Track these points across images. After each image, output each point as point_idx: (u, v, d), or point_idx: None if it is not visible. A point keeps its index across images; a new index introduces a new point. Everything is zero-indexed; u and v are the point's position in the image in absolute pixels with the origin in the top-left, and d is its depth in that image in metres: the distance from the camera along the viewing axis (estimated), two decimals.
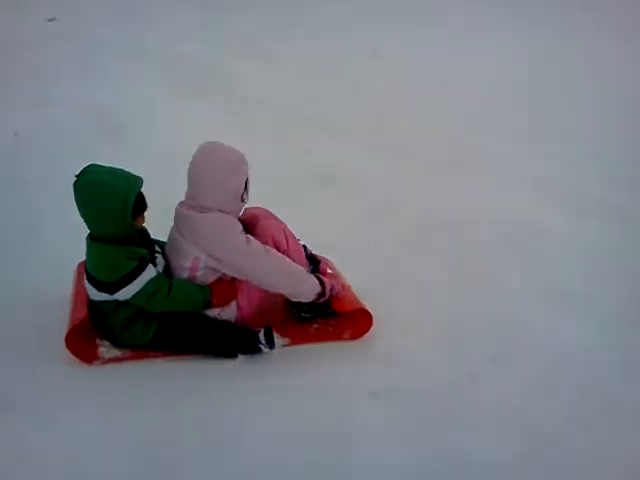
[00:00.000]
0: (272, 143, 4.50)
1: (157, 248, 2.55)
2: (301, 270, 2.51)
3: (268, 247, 2.45)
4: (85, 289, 2.48)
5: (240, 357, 2.44)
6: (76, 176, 2.34)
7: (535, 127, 5.25)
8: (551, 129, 5.28)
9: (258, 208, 2.67)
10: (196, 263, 2.43)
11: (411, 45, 6.96)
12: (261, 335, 2.46)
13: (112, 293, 2.35)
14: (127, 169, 2.40)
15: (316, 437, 2.11)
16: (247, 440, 2.10)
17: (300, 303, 2.57)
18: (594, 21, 8.30)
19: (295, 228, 2.68)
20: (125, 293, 2.34)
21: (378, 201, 3.85)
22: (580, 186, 4.26)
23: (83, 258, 2.49)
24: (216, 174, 2.41)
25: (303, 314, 2.61)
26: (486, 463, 2.07)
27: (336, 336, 2.61)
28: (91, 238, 2.41)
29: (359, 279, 2.80)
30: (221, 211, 2.42)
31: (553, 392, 2.43)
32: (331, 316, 2.64)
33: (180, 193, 2.54)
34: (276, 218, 2.66)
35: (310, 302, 2.54)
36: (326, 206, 3.67)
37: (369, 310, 2.55)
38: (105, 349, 2.45)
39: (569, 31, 7.85)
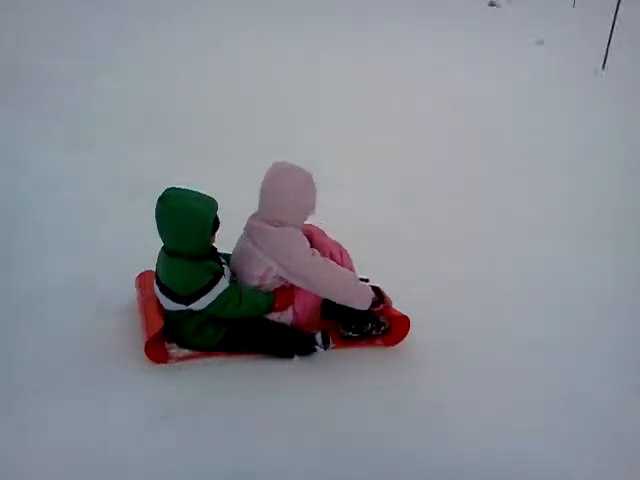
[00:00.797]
0: None
1: (222, 260, 2.80)
2: (357, 279, 2.83)
3: (328, 259, 2.75)
4: (155, 298, 2.73)
5: (296, 357, 2.78)
6: (159, 200, 2.54)
7: None
8: None
9: (311, 225, 2.93)
10: (268, 272, 2.71)
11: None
12: (318, 337, 2.80)
13: (188, 304, 2.62)
14: None
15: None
16: (321, 435, 2.45)
17: (348, 323, 2.90)
18: None
19: None
20: (200, 304, 2.61)
21: None
22: None
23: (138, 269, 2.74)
24: (293, 192, 2.68)
25: (351, 333, 2.92)
26: None
27: (370, 343, 2.96)
28: (168, 254, 2.64)
29: None
30: (294, 226, 2.69)
31: None
32: (377, 336, 2.96)
33: None
34: (326, 235, 2.94)
35: (359, 323, 2.87)
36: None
37: (409, 318, 2.92)
38: (175, 350, 2.73)
39: None
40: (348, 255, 2.90)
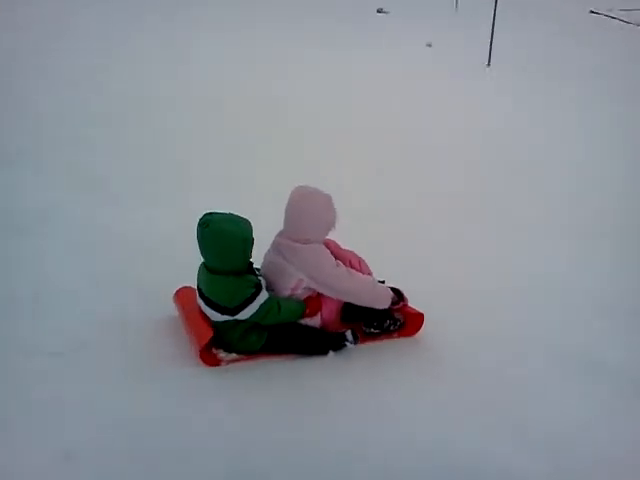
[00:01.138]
0: None
1: (257, 272, 3.27)
2: (376, 283, 3.28)
3: (350, 269, 3.21)
4: (198, 310, 3.19)
5: (330, 353, 3.23)
6: (201, 225, 3.02)
7: None
8: None
9: (328, 239, 3.36)
10: (299, 284, 3.15)
11: None
12: (348, 334, 3.26)
13: (233, 315, 3.06)
14: None
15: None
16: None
17: (370, 321, 3.35)
18: None
19: None
20: (244, 314, 3.05)
21: None
22: None
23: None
24: (316, 213, 3.13)
25: (372, 330, 3.37)
26: None
27: (389, 336, 3.42)
28: (211, 272, 3.08)
29: None
30: (318, 242, 3.16)
31: None
32: (394, 332, 3.41)
33: None
34: (341, 247, 3.41)
35: (379, 321, 3.33)
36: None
37: (422, 312, 3.37)
38: (224, 354, 3.17)
39: None
40: (365, 262, 3.36)
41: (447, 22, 18.41)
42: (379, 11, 20.63)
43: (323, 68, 10.23)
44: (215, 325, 3.13)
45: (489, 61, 12.99)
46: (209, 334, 3.07)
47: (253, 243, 3.09)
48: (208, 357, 3.10)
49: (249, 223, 3.08)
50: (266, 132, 6.81)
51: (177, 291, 3.48)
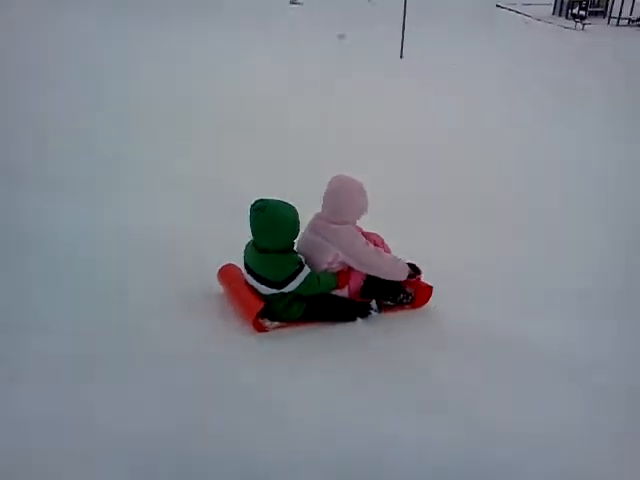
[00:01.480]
0: None
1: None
2: (397, 259, 3.84)
3: (377, 248, 3.76)
4: (248, 285, 3.66)
5: (358, 320, 3.78)
6: (255, 210, 3.48)
7: None
8: None
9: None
10: (335, 258, 3.68)
11: None
12: (373, 303, 3.83)
13: (280, 288, 3.55)
14: None
15: None
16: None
17: (386, 295, 3.90)
18: None
19: None
20: (290, 287, 3.55)
21: None
22: None
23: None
24: (351, 198, 3.67)
25: (389, 302, 3.95)
26: None
27: (401, 308, 4.00)
28: (260, 251, 3.56)
29: None
30: (352, 223, 3.69)
31: None
32: (406, 304, 3.99)
33: None
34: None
35: (393, 295, 3.89)
36: None
37: (431, 285, 3.98)
38: (269, 322, 3.66)
39: None
40: (385, 242, 3.94)
41: (360, 15, 19.24)
42: (292, 2, 21.00)
43: (230, 61, 10.73)
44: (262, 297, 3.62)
45: (401, 54, 13.94)
46: (261, 305, 3.55)
47: (300, 226, 3.59)
48: (258, 325, 3.58)
49: (295, 208, 3.57)
50: None
51: (220, 269, 3.91)
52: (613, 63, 17.28)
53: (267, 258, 3.56)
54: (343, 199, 3.67)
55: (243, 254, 3.73)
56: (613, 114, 10.57)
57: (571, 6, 30.87)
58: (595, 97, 11.96)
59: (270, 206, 3.50)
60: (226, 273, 3.89)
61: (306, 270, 3.58)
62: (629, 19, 28.32)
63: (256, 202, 3.54)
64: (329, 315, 3.75)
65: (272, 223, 3.48)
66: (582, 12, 29.36)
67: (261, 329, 3.59)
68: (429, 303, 4.01)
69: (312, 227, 3.78)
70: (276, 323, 3.67)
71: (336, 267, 3.74)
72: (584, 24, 27.99)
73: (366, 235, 3.84)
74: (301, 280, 3.56)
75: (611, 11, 29.66)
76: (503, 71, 13.52)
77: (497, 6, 36.99)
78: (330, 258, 3.70)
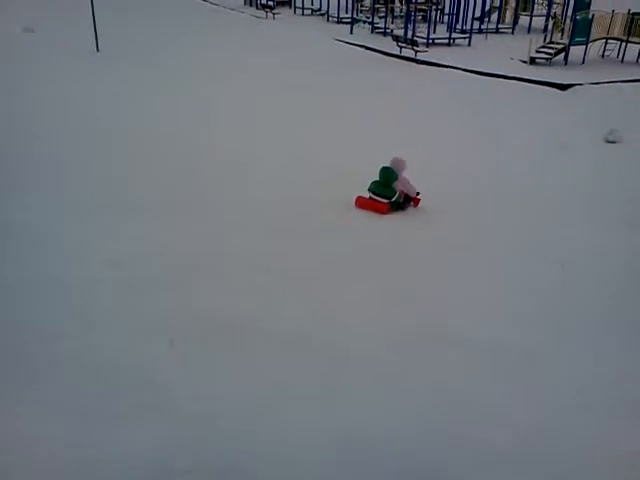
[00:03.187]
0: None
1: None
2: (415, 188, 10.19)
3: (409, 183, 10.16)
4: (376, 201, 9.78)
5: (407, 209, 10.15)
6: (383, 168, 9.62)
7: None
8: None
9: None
10: (402, 188, 9.94)
11: None
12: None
13: (390, 200, 9.73)
14: None
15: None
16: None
17: (408, 199, 10.35)
18: None
19: None
20: (394, 199, 9.74)
21: None
22: None
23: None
24: (403, 164, 9.83)
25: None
26: None
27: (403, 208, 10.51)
28: (382, 185, 9.63)
29: None
30: (402, 174, 10.01)
31: None
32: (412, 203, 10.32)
33: None
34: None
35: (409, 199, 10.25)
36: None
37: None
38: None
39: None
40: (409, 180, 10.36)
41: (46, 8, 20.39)
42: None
43: None
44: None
45: (97, 47, 15.49)
46: (387, 204, 9.72)
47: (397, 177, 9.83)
48: (387, 210, 9.72)
49: (394, 169, 9.79)
50: None
51: (356, 199, 9.85)
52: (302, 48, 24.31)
53: (385, 187, 9.68)
54: (399, 165, 9.87)
55: (369, 187, 9.76)
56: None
57: None
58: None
59: (388, 167, 9.65)
60: (359, 199, 9.82)
61: (397, 193, 9.84)
62: (312, 9, 36.05)
63: (383, 167, 9.66)
64: (399, 204, 10.00)
65: (388, 172, 9.62)
66: (270, 2, 36.07)
67: (387, 212, 9.73)
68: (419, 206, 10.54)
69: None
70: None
71: (401, 191, 10.06)
72: (274, 13, 34.35)
73: (405, 178, 10.23)
74: (397, 196, 9.79)
75: (295, 2, 37.08)
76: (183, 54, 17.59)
77: None
78: (399, 189, 9.97)
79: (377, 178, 9.66)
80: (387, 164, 9.66)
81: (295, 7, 36.56)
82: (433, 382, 5.28)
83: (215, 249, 7.54)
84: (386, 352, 5.69)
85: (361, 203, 9.77)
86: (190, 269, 7.04)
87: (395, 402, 5.02)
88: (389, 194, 9.62)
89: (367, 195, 9.72)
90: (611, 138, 13.22)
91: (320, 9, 35.07)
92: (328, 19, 33.22)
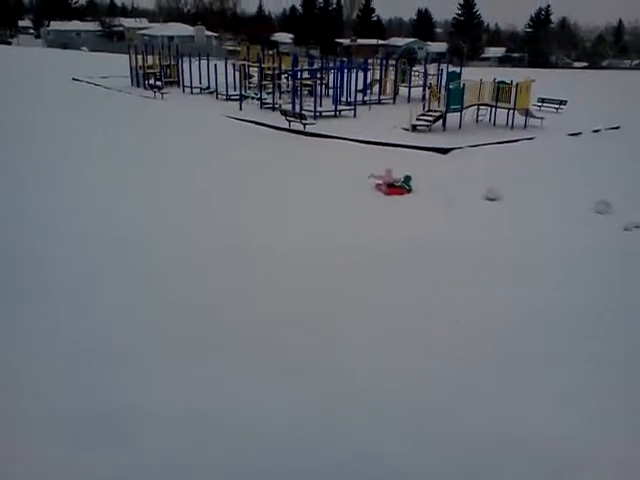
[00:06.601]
0: None
1: None
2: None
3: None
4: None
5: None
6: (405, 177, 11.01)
7: None
8: None
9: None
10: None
11: None
12: None
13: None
14: None
15: None
16: None
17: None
18: None
19: None
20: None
21: None
22: None
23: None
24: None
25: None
26: None
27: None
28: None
29: None
30: None
31: None
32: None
33: None
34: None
35: None
36: None
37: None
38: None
39: None
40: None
41: None
42: None
43: None
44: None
45: None
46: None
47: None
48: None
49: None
50: None
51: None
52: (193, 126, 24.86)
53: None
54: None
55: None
56: None
57: (147, 77, 36.36)
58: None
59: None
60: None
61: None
62: (200, 87, 35.97)
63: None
64: None
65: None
66: (158, 82, 34.84)
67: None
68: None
69: None
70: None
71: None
72: (163, 93, 33.29)
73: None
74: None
75: (183, 80, 36.80)
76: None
77: (74, 79, 39.77)
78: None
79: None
80: None
81: (184, 86, 36.68)
82: None
83: None
84: None
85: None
86: None
87: None
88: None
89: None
90: (491, 196, 14.03)
91: (209, 87, 35.43)
92: (217, 97, 33.63)
